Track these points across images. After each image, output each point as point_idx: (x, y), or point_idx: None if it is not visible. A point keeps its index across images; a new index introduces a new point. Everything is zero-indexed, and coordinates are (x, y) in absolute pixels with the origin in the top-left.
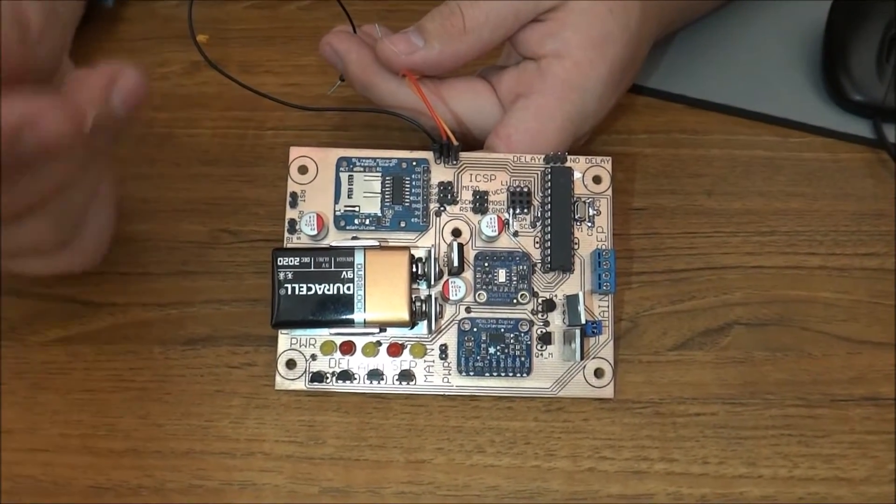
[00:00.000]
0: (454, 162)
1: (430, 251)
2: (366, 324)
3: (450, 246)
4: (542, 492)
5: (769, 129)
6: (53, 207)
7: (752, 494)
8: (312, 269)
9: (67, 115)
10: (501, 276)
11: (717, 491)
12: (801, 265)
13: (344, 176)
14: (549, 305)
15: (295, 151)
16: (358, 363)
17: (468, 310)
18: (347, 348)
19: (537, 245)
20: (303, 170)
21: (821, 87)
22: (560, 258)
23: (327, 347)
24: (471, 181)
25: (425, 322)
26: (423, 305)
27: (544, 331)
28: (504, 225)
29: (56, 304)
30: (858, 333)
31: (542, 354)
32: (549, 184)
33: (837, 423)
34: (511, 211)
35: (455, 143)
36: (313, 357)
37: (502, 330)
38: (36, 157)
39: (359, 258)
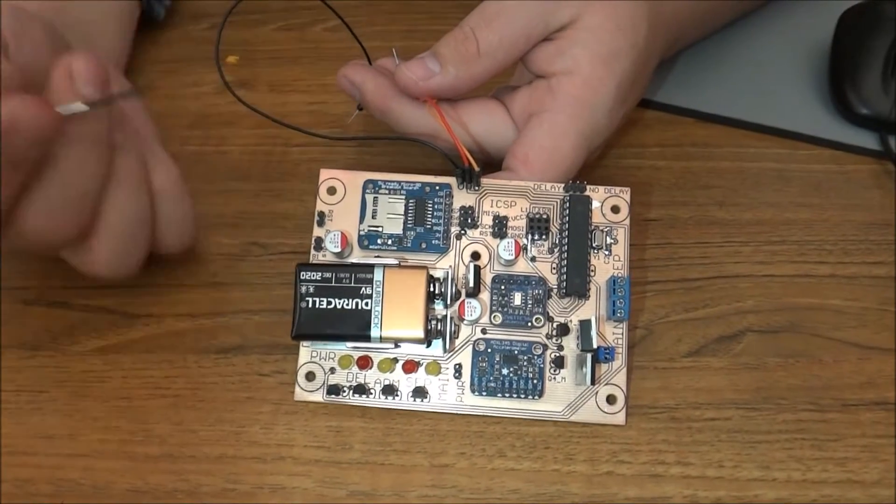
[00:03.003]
0: (476, 188)
1: (447, 272)
2: (381, 339)
3: (467, 267)
4: (562, 495)
5: (778, 141)
6: (112, 219)
7: (766, 497)
8: (333, 284)
9: (38, 110)
10: (517, 299)
11: (733, 494)
12: (810, 273)
13: (369, 197)
14: (564, 330)
15: (325, 173)
16: (374, 378)
17: (483, 331)
18: (364, 363)
19: (554, 271)
20: (331, 191)
21: (828, 101)
22: (575, 284)
23: (345, 361)
24: (492, 207)
25: (441, 341)
26: (439, 324)
27: (558, 355)
28: (521, 250)
29: (95, 315)
30: (868, 340)
31: (555, 378)
32: (568, 212)
33: (849, 427)
34: (529, 237)
35: (477, 168)
36: (332, 370)
37: (516, 352)
38: (30, 153)
39: (378, 275)
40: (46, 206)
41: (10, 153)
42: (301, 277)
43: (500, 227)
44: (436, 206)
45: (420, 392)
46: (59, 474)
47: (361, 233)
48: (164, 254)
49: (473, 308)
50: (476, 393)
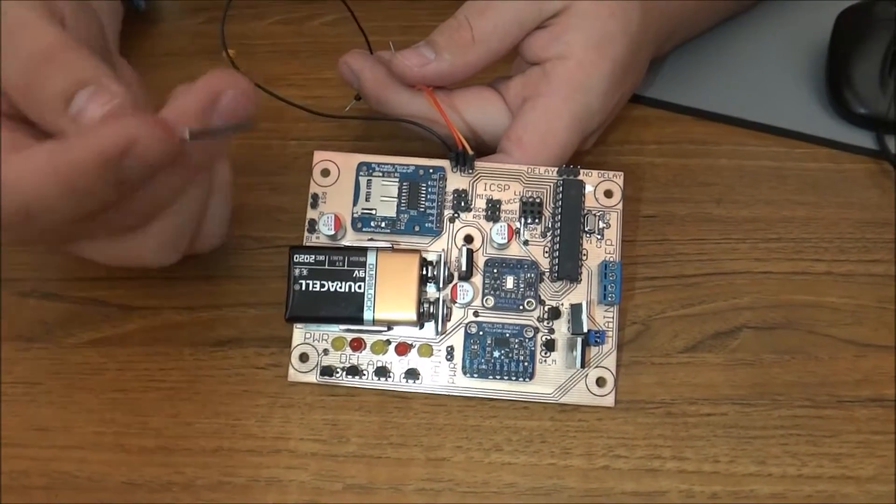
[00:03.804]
0: (470, 171)
1: (440, 255)
2: (374, 322)
3: (460, 251)
4: (559, 489)
5: (776, 140)
6: (175, 211)
7: (761, 492)
8: (326, 267)
9: (160, 133)
10: (509, 282)
11: (728, 489)
12: (807, 271)
13: (363, 180)
14: (555, 313)
15: (319, 155)
16: (367, 360)
17: (476, 314)
18: (357, 345)
19: (546, 254)
20: (325, 173)
21: (825, 100)
22: (567, 268)
23: (338, 343)
24: (485, 190)
25: (433, 323)
26: (432, 307)
27: (549, 338)
28: (514, 233)
29: (90, 308)
30: (864, 337)
31: (545, 361)
32: (561, 196)
33: (844, 424)
34: (522, 220)
35: (470, 152)
36: (325, 352)
37: (507, 335)
38: (141, 176)
39: (371, 258)
40: (132, 213)
41: (119, 175)
42: (294, 260)
43: (493, 211)
44: (429, 189)
45: (412, 374)
46: (54, 466)
47: (355, 215)
48: (193, 252)
49: (466, 291)
50: (468, 375)
